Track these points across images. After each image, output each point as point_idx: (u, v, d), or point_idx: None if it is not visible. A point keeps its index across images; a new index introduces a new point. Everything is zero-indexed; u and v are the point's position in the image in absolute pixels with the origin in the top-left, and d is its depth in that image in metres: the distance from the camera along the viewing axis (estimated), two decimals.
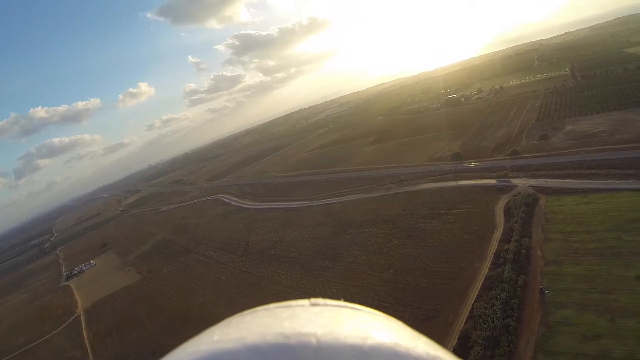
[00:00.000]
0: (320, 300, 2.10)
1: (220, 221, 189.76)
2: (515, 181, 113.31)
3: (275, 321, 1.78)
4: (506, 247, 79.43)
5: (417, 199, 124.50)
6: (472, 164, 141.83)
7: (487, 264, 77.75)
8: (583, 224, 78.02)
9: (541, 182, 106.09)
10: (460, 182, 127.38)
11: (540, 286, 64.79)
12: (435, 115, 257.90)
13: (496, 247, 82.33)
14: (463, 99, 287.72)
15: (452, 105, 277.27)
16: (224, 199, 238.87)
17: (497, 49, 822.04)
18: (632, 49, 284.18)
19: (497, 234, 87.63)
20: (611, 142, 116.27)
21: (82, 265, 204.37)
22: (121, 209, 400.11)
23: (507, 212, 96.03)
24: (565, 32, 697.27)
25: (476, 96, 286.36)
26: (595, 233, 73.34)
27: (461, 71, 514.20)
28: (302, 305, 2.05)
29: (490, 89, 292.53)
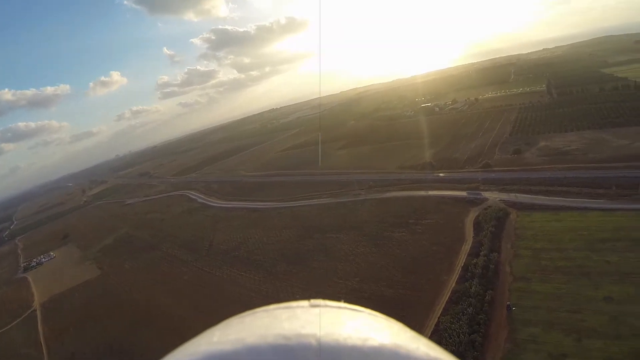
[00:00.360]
0: (320, 302, 2.12)
1: (185, 218, 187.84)
2: (486, 194, 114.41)
3: (275, 322, 1.79)
4: (474, 261, 79.48)
5: (387, 206, 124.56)
6: (443, 175, 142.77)
7: (455, 277, 78.03)
8: (553, 242, 79.15)
9: (512, 196, 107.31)
10: (431, 192, 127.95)
11: (508, 302, 65.03)
12: (409, 123, 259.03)
13: (464, 260, 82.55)
14: (437, 109, 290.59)
15: (426, 114, 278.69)
16: (191, 195, 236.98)
17: (474, 60, 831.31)
18: (608, 69, 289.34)
19: (466, 247, 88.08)
20: (584, 160, 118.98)
21: (41, 256, 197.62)
22: (85, 199, 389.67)
23: (477, 225, 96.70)
24: (543, 48, 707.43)
25: (450, 106, 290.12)
26: (564, 251, 74.45)
27: (437, 80, 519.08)
28: (302, 307, 2.07)
29: (465, 100, 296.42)
